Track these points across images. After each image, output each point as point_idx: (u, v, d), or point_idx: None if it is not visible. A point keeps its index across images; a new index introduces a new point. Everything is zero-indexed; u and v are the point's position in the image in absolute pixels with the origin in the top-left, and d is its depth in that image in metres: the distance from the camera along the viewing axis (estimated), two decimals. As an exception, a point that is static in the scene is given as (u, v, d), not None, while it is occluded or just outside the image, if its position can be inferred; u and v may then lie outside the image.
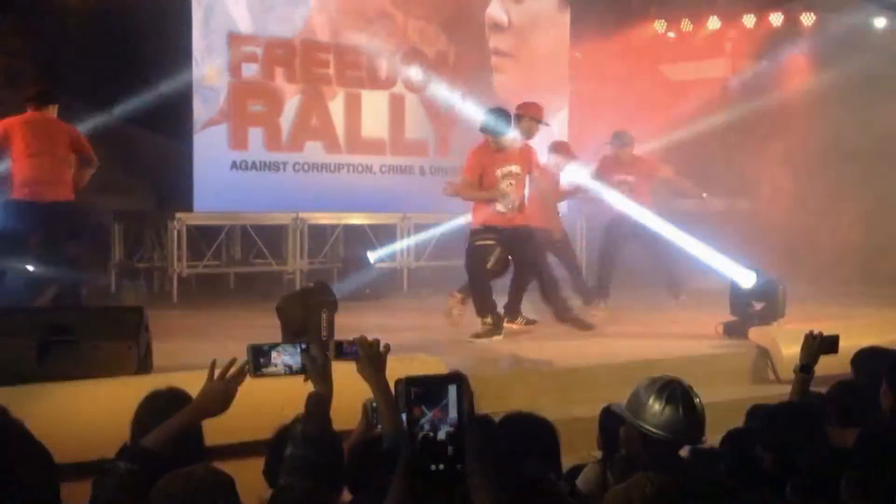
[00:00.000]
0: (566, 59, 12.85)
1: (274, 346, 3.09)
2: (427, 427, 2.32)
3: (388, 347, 3.31)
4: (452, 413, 2.34)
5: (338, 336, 3.46)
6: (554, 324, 8.52)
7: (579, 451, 4.03)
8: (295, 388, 3.10)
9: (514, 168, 8.03)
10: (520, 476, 2.77)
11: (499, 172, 7.97)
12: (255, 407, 3.79)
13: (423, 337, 7.82)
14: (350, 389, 3.32)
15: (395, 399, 2.93)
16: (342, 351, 3.30)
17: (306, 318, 6.64)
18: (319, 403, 2.88)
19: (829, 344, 4.44)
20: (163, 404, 3.32)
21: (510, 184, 7.99)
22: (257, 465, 3.51)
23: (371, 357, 3.24)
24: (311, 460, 2.75)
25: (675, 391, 3.25)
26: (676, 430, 3.22)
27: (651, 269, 10.03)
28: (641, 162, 9.81)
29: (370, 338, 3.32)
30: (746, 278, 8.43)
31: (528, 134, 8.40)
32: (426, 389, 2.36)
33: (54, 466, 2.53)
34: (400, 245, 11.26)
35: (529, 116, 8.44)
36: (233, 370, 3.00)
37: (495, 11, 12.26)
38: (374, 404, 3.34)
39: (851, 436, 3.58)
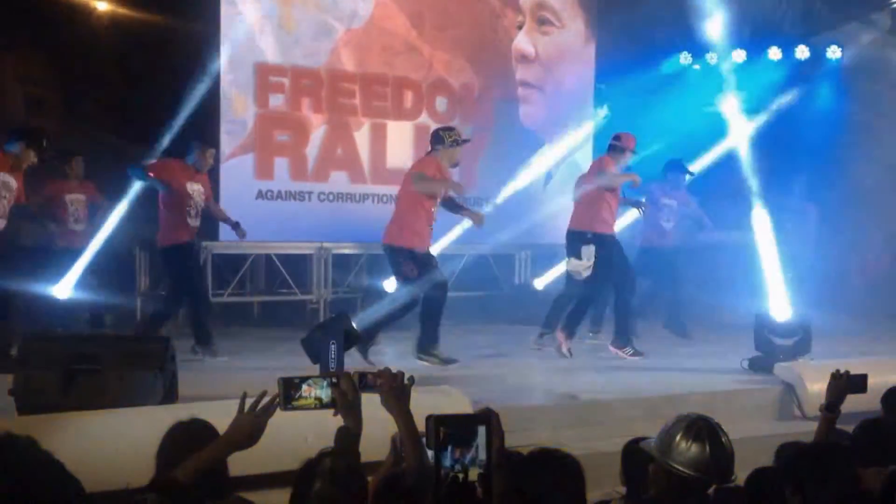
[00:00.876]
0: (591, 91, 12.90)
1: (305, 380, 3.09)
2: (457, 467, 2.30)
3: (412, 380, 3.28)
4: (482, 454, 2.32)
5: (360, 368, 3.44)
6: (580, 356, 8.53)
7: (602, 486, 4.00)
8: (320, 418, 3.10)
9: None
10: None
11: None
12: (279, 437, 3.79)
13: (447, 368, 7.80)
14: (379, 420, 3.29)
15: (419, 433, 2.92)
16: (366, 383, 3.27)
17: (320, 348, 6.66)
18: (348, 438, 2.87)
19: (856, 383, 4.30)
20: (187, 435, 3.33)
21: None
22: (281, 496, 3.50)
23: (395, 389, 3.21)
24: (336, 498, 2.74)
25: (702, 429, 3.20)
26: (704, 468, 3.18)
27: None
28: None
29: (394, 370, 3.30)
30: (782, 311, 8.40)
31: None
32: (456, 429, 2.34)
33: (87, 498, 2.53)
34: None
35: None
36: (263, 403, 2.98)
37: (522, 43, 12.33)
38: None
39: (878, 476, 3.53)
